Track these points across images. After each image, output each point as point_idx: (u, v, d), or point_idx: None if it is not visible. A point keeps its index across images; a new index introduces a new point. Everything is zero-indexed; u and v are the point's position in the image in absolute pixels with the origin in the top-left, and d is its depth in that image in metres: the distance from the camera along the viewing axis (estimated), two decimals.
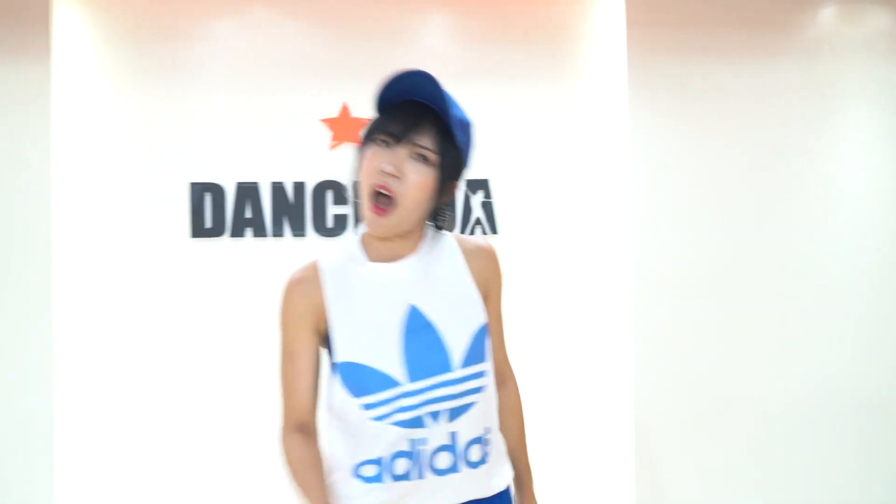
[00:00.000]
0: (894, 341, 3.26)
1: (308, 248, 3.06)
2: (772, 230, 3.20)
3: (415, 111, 1.43)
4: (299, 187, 3.08)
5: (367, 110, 2.91)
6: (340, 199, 3.09)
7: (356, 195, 1.49)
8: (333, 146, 3.08)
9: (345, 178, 3.05)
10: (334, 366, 1.47)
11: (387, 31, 3.11)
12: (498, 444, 1.57)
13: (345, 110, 3.08)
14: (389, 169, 1.40)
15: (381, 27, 3.11)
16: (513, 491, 1.65)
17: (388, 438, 1.43)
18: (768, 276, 3.20)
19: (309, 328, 1.49)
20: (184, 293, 3.03)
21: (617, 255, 3.21)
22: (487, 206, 3.17)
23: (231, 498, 3.06)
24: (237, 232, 3.05)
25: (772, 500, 3.22)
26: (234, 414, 3.06)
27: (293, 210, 3.08)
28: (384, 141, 1.43)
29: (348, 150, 3.08)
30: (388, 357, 1.43)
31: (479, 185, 3.16)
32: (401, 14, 3.13)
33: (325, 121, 3.09)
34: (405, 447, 1.44)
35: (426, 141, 1.42)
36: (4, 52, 2.91)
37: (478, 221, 3.17)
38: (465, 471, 1.48)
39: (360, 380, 1.43)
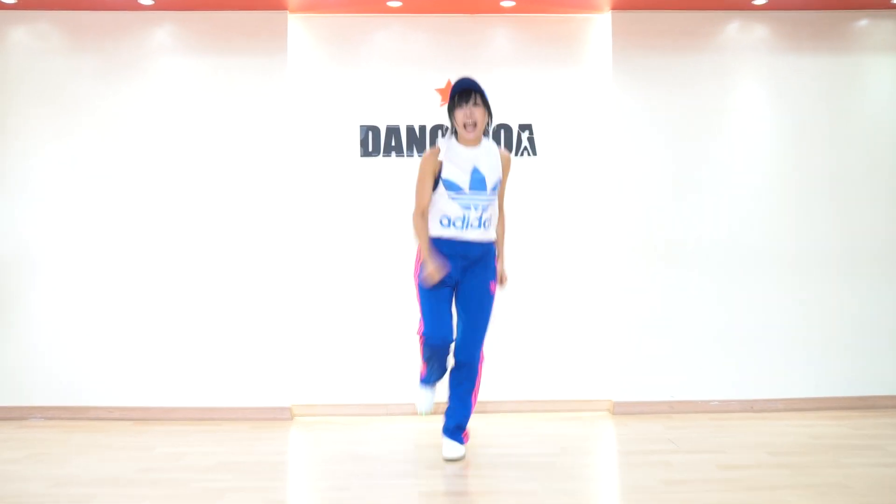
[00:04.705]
0: None
1: None
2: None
3: (469, 90, 3.81)
4: (422, 128, 5.40)
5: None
6: (444, 134, 5.38)
7: (452, 125, 3.88)
8: (441, 104, 5.39)
9: (446, 121, 5.34)
10: (442, 180, 3.83)
11: (469, 40, 5.36)
12: (493, 225, 3.94)
13: (448, 84, 5.37)
14: (471, 116, 3.80)
15: (465, 38, 5.37)
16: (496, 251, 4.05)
17: (456, 210, 3.81)
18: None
19: (432, 171, 3.87)
20: (356, 190, 5.42)
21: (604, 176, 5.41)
22: (530, 140, 5.43)
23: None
24: (387, 153, 5.42)
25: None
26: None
27: (419, 140, 5.41)
28: (463, 102, 3.80)
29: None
30: (462, 180, 3.80)
31: (526, 127, 5.41)
32: (475, 29, 5.37)
33: (438, 90, 5.39)
34: (461, 214, 3.81)
35: (478, 99, 3.80)
36: (259, 51, 5.32)
37: (525, 148, 5.42)
38: (481, 229, 3.87)
39: (450, 185, 3.82)
